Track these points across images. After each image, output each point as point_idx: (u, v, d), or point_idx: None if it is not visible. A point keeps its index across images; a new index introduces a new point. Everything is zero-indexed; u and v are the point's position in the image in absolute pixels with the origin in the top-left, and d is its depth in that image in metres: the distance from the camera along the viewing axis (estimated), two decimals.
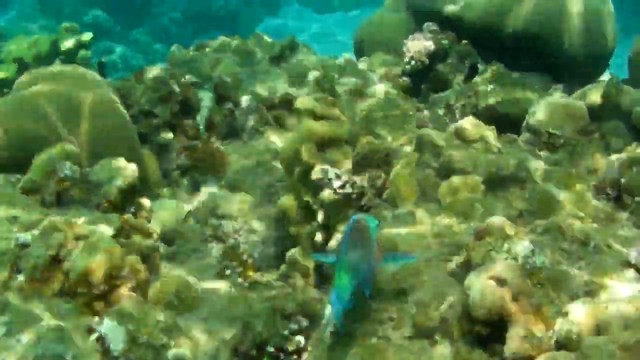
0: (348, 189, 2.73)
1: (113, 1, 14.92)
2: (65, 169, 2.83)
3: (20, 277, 2.51)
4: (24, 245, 2.58)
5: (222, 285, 2.97)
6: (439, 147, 2.78)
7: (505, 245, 2.20)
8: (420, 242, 2.49)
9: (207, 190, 3.39)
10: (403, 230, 2.57)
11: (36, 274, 2.51)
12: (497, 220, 2.30)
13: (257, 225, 3.27)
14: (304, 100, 3.02)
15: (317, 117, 2.99)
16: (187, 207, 3.31)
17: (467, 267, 2.25)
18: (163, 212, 3.20)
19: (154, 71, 3.56)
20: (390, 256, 2.31)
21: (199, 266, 3.09)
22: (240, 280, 3.05)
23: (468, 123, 2.93)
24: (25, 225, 2.69)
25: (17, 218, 2.73)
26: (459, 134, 2.84)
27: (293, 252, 3.00)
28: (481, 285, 2.01)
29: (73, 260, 2.51)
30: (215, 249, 3.19)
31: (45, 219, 2.71)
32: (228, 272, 3.07)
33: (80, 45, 5.88)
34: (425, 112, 3.46)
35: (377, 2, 14.26)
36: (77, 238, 2.61)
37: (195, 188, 3.42)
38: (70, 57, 5.77)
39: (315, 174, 2.76)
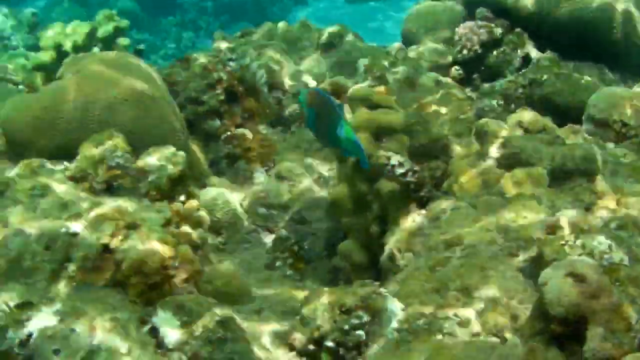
0: (410, 178, 2.64)
1: None
2: (116, 157, 2.76)
3: (71, 267, 2.45)
4: (74, 234, 2.52)
5: (273, 278, 2.90)
6: (501, 138, 2.69)
7: (579, 241, 2.11)
8: (484, 236, 2.40)
9: (256, 180, 3.31)
10: (465, 223, 2.49)
11: (87, 263, 2.45)
12: (569, 214, 2.21)
13: (307, 215, 3.19)
14: (358, 88, 2.94)
15: (371, 105, 2.91)
16: (235, 197, 3.24)
17: (538, 262, 2.16)
18: (210, 202, 3.13)
19: (200, 58, 3.49)
20: None
21: (248, 257, 3.03)
22: (290, 272, 2.99)
23: (529, 113, 2.83)
24: (74, 214, 2.63)
25: (66, 206, 2.67)
26: (521, 125, 2.75)
27: (346, 244, 2.92)
28: (558, 283, 1.91)
29: (125, 250, 2.45)
30: (265, 239, 3.13)
31: (94, 207, 2.65)
32: (278, 263, 3.01)
33: (117, 33, 5.83)
34: (480, 102, 3.37)
35: None
36: (129, 227, 2.55)
37: (243, 177, 3.35)
38: (108, 44, 5.72)
39: (379, 159, 2.67)
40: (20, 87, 3.71)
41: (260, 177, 3.32)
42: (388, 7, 15.30)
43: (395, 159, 2.66)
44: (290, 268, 2.98)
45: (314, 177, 3.26)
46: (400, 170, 2.65)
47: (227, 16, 14.57)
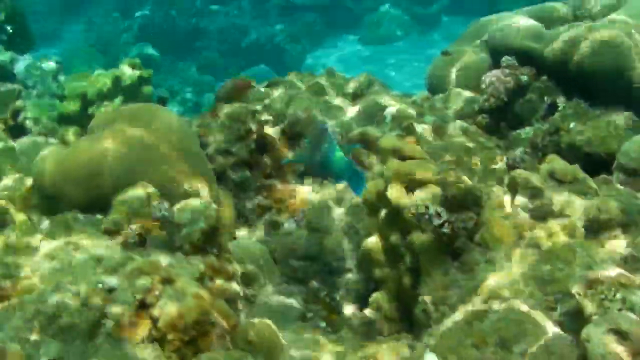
0: (446, 229, 2.64)
1: (159, 35, 15.09)
2: (161, 210, 2.77)
3: (108, 323, 2.46)
4: (110, 290, 2.53)
5: (305, 330, 2.89)
6: (534, 189, 2.68)
7: (619, 295, 2.10)
8: (520, 289, 2.40)
9: (286, 231, 3.32)
10: (500, 275, 2.48)
11: (124, 319, 2.46)
12: (609, 267, 2.20)
13: (338, 266, 3.19)
14: (388, 139, 2.95)
15: (402, 156, 2.92)
16: (265, 248, 3.25)
17: (577, 317, 2.15)
18: (241, 254, 3.13)
19: (229, 108, 3.52)
20: None
21: (279, 309, 3.02)
22: (323, 324, 2.98)
23: (560, 163, 2.83)
24: (109, 268, 2.64)
25: (101, 260, 2.68)
26: (553, 175, 2.75)
27: (378, 296, 2.92)
28: (601, 339, 1.91)
29: (162, 305, 2.46)
30: (296, 291, 3.12)
31: (129, 261, 2.66)
32: (310, 315, 3.00)
33: (141, 81, 5.88)
34: (512, 152, 3.36)
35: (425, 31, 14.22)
36: (164, 282, 2.56)
37: (273, 228, 3.36)
38: (132, 92, 5.77)
39: (416, 208, 2.67)
40: (52, 140, 3.75)
41: (290, 228, 3.32)
42: (401, 50, 15.43)
43: (433, 209, 2.66)
44: (322, 320, 2.98)
45: (344, 228, 3.26)
46: (437, 221, 2.65)
47: (246, 59, 14.73)
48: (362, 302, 3.08)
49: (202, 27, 15.59)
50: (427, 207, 2.67)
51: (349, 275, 3.18)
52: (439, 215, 2.66)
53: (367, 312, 2.95)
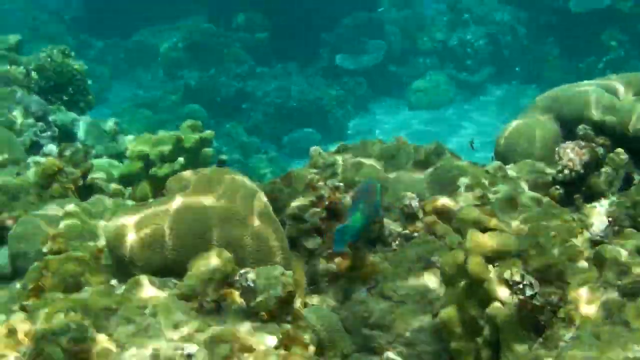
0: (537, 301, 2.58)
1: (205, 96, 15.23)
2: (247, 279, 2.75)
3: None
4: (190, 356, 2.50)
5: None
6: (622, 265, 2.62)
7: None
8: None
9: (358, 299, 3.27)
10: (589, 354, 2.41)
11: None
12: None
13: (410, 337, 3.13)
14: (469, 210, 2.91)
15: (482, 228, 2.88)
16: (337, 316, 3.20)
17: None
18: (314, 322, 3.09)
19: (302, 175, 3.51)
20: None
21: None
22: None
23: None
24: (187, 335, 2.62)
25: (177, 326, 2.66)
26: None
27: None
28: None
29: None
30: None
31: (207, 328, 2.64)
32: None
33: (202, 143, 5.92)
34: (595, 226, 3.26)
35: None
36: (243, 350, 2.53)
37: (345, 296, 3.31)
38: (193, 154, 5.82)
39: (512, 277, 2.62)
40: (128, 201, 3.77)
41: (362, 296, 3.27)
42: (447, 115, 15.47)
43: (527, 279, 2.61)
44: None
45: (417, 298, 3.21)
46: (529, 292, 2.60)
47: (291, 122, 14.83)
48: None
49: (249, 89, 15.76)
50: (522, 276, 2.63)
51: (423, 346, 3.11)
52: (531, 286, 2.61)
53: None
